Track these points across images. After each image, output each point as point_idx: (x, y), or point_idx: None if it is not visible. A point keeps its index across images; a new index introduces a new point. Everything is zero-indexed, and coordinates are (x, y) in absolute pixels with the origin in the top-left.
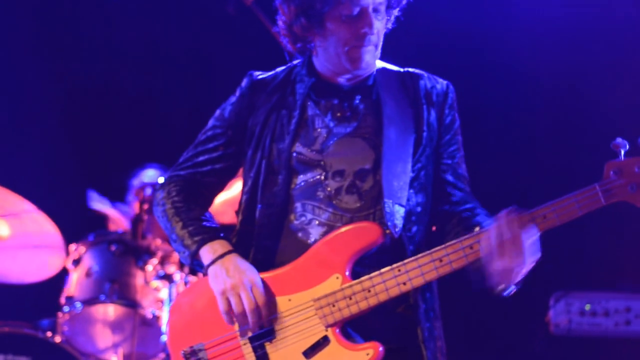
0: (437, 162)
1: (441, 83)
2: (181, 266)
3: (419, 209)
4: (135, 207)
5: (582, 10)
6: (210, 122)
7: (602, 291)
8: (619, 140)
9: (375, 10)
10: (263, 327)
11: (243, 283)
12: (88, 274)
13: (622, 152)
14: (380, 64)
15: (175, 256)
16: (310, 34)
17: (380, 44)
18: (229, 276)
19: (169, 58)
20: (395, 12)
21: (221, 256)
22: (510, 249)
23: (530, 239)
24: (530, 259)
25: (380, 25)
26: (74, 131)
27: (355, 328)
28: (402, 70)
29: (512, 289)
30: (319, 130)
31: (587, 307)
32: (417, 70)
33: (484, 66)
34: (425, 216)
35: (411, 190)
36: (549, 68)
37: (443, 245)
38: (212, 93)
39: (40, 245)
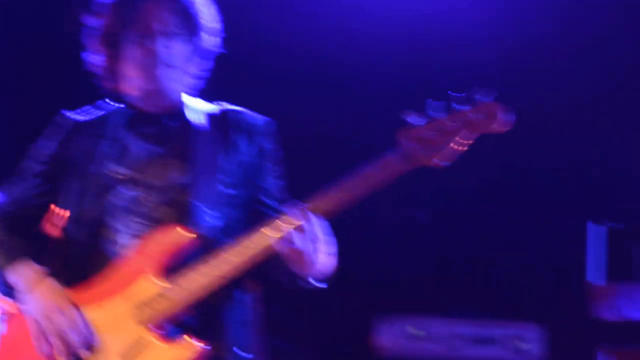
0: (253, 185)
1: (259, 118)
2: None
3: (234, 224)
4: None
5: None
6: (26, 161)
7: (426, 315)
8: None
9: (164, 33)
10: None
11: (48, 315)
12: None
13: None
14: (192, 100)
15: None
16: (113, 63)
17: (182, 67)
18: (38, 311)
19: None
20: (212, 41)
21: (31, 285)
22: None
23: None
24: (319, 246)
25: (176, 47)
26: None
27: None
28: (217, 104)
29: (314, 283)
30: (133, 152)
31: (412, 330)
32: (234, 107)
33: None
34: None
35: (226, 209)
36: None
37: (245, 237)
38: None
39: None
